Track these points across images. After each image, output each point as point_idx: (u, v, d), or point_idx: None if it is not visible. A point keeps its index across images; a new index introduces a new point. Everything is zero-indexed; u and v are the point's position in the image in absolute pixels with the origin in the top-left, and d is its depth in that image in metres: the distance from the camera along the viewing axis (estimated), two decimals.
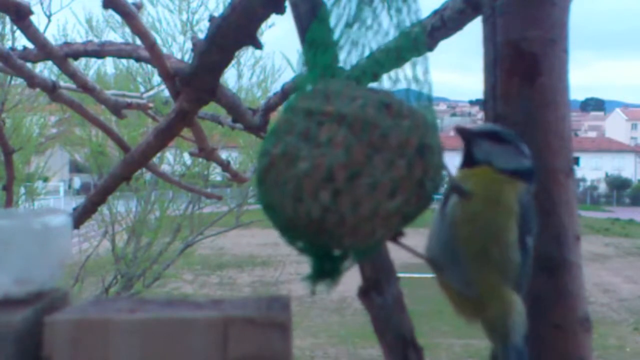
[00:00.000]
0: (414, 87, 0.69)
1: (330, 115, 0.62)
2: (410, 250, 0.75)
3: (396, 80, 0.69)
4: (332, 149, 0.61)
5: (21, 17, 1.26)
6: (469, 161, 0.79)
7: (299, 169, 0.61)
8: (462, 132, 0.78)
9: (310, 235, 0.63)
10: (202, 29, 5.86)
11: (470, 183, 0.74)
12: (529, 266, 0.76)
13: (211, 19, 1.13)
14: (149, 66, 3.03)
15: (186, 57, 5.25)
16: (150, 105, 2.09)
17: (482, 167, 0.77)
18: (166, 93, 2.44)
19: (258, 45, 1.12)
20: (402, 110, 0.63)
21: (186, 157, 6.43)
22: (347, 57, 0.71)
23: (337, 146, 0.61)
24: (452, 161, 0.71)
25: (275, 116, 1.75)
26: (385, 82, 0.70)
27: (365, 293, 0.96)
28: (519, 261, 0.73)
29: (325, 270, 0.67)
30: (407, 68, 0.69)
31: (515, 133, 0.80)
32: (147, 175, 6.23)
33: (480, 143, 0.78)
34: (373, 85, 0.70)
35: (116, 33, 6.11)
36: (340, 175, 0.60)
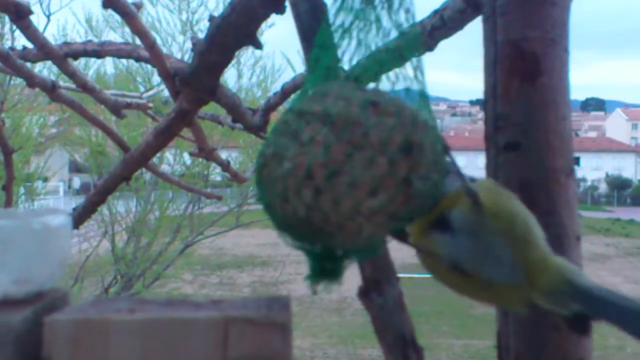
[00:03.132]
0: (409, 85, 0.68)
1: (316, 115, 0.62)
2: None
3: (395, 79, 0.69)
4: (312, 147, 0.61)
5: (20, 17, 1.26)
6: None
7: (284, 168, 0.61)
8: None
9: (305, 235, 0.63)
10: (202, 29, 5.87)
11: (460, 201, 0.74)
12: None
13: (211, 18, 1.13)
14: (149, 66, 3.03)
15: (186, 57, 5.25)
16: (150, 105, 2.08)
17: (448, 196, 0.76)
18: (166, 93, 2.44)
19: (258, 45, 1.12)
20: (388, 108, 0.63)
21: (186, 157, 6.44)
22: (350, 58, 0.71)
23: (317, 145, 0.61)
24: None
25: (275, 116, 1.76)
26: (385, 81, 0.70)
27: (365, 293, 0.96)
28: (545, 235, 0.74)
29: (326, 270, 0.67)
30: (404, 67, 0.69)
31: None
32: (147, 175, 6.23)
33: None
34: (373, 85, 0.70)
35: (116, 33, 6.13)
36: (319, 174, 0.60)
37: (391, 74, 0.69)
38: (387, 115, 0.62)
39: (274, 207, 0.63)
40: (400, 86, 0.69)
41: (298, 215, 0.61)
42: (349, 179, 0.60)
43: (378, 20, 0.70)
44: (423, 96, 0.69)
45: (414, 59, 0.69)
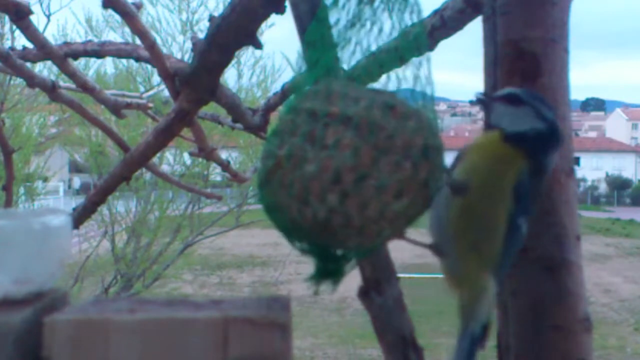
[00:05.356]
0: (416, 87, 0.69)
1: (335, 117, 0.62)
2: (412, 242, 0.75)
3: (398, 80, 0.69)
4: (339, 151, 0.61)
5: (21, 17, 1.26)
6: (486, 127, 0.79)
7: (305, 171, 0.61)
8: (481, 99, 0.78)
9: (314, 236, 0.63)
10: (202, 29, 5.87)
11: (468, 164, 0.74)
12: (517, 245, 0.76)
13: (211, 18, 1.13)
14: (149, 66, 3.03)
15: (186, 57, 5.25)
16: (150, 105, 2.08)
17: (489, 135, 0.76)
18: (166, 93, 2.44)
19: (258, 45, 1.11)
20: (406, 112, 0.64)
21: (186, 157, 6.44)
22: (349, 58, 0.71)
23: (344, 148, 0.61)
24: (450, 161, 0.71)
25: (275, 116, 1.75)
26: (386, 81, 0.70)
27: (365, 293, 0.96)
28: (501, 249, 0.73)
29: (328, 270, 0.67)
30: (409, 68, 0.69)
31: (539, 96, 0.78)
32: (147, 175, 6.23)
33: (497, 107, 0.77)
34: (373, 85, 0.70)
35: (116, 33, 6.13)
36: (348, 178, 0.60)
37: (399, 73, 0.69)
38: (406, 118, 0.63)
39: (285, 208, 0.63)
40: (406, 86, 0.69)
41: (318, 218, 0.61)
42: (376, 182, 0.61)
43: (377, 20, 0.70)
44: (428, 97, 0.69)
45: (423, 58, 0.69)
